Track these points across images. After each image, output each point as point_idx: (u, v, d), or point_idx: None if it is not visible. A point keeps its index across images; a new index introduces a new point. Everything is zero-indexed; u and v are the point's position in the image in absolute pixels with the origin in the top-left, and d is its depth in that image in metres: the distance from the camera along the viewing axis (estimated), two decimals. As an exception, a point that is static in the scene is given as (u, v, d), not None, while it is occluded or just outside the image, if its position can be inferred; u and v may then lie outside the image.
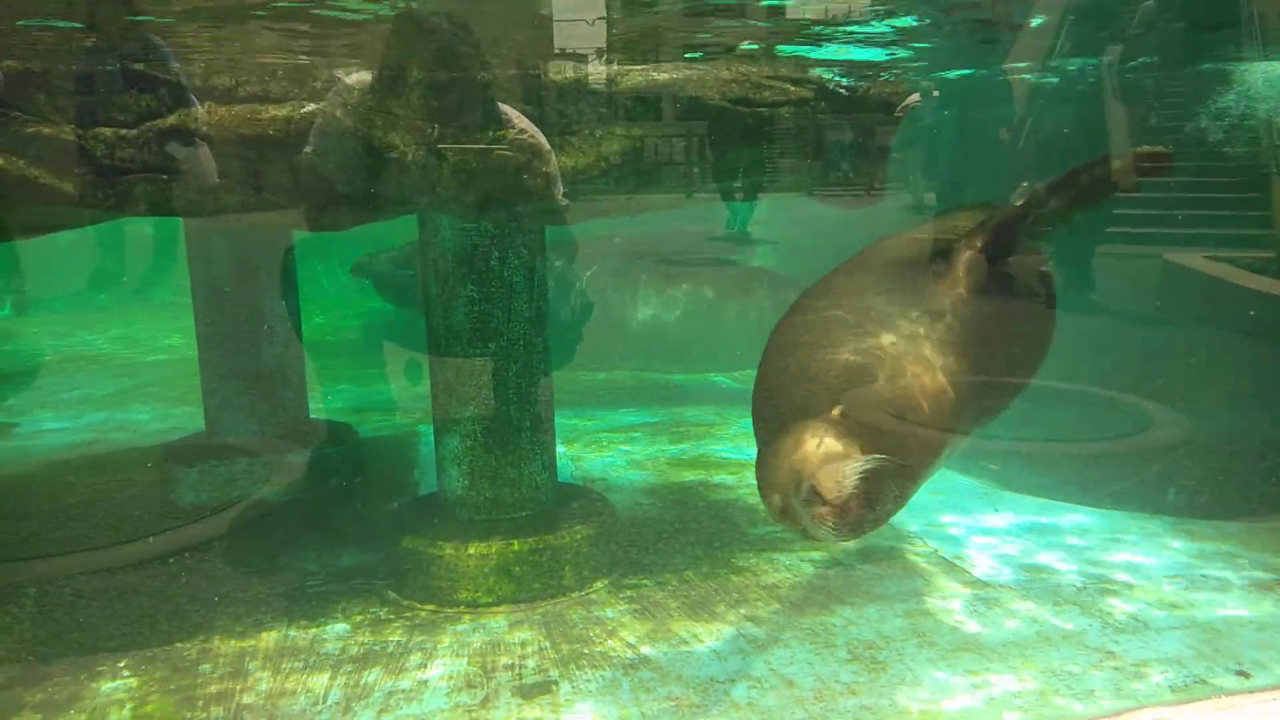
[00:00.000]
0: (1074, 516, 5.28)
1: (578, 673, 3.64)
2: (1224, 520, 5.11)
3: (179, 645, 3.89)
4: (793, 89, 4.02)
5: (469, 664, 3.71)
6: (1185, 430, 5.85)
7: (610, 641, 3.88)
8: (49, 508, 5.04)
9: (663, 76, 3.96)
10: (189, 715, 3.39)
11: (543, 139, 3.89)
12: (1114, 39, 6.78)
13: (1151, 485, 5.48)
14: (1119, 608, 4.11)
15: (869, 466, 2.52)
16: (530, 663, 3.72)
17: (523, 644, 3.87)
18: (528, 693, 3.50)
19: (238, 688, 3.56)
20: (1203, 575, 4.44)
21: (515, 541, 4.27)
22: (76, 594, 4.23)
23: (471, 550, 4.23)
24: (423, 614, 4.17)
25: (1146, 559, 4.66)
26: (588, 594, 4.32)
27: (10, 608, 3.85)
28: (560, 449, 5.28)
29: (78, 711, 3.42)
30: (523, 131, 3.86)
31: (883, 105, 4.20)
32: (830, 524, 2.53)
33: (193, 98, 3.46)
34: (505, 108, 3.85)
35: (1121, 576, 4.46)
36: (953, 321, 3.05)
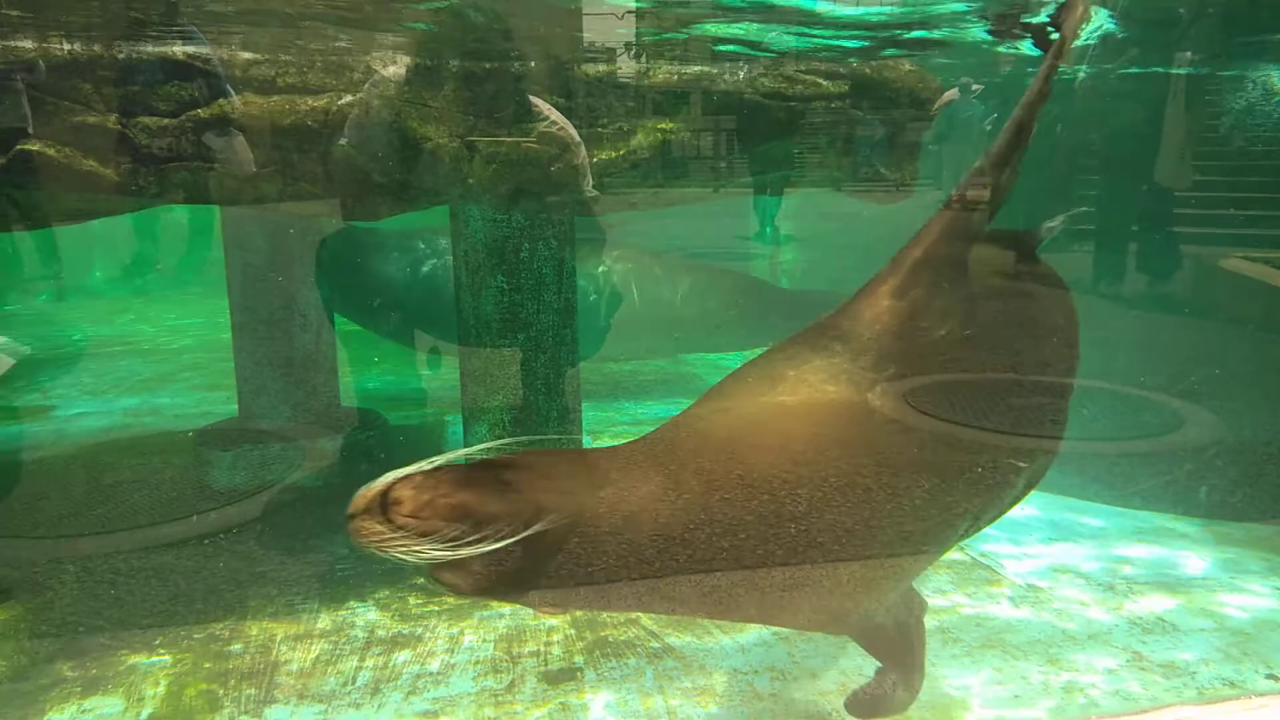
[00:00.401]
0: (1103, 516, 5.24)
1: (602, 660, 3.68)
2: (1255, 523, 5.05)
3: (213, 624, 3.97)
4: (825, 83, 4.02)
5: (495, 649, 3.76)
6: (1218, 431, 5.78)
7: (634, 630, 3.91)
8: (88, 488, 5.15)
9: (694, 70, 3.97)
10: (222, 693, 3.46)
11: (573, 131, 3.93)
12: (1156, 42, 6.71)
13: (1183, 486, 5.43)
14: (1147, 608, 4.08)
15: (404, 473, 1.92)
16: (555, 650, 3.76)
17: (548, 631, 3.92)
18: (553, 679, 3.54)
19: (269, 667, 3.63)
20: (1232, 578, 4.39)
21: (542, 530, 4.31)
22: (115, 571, 4.33)
23: (498, 538, 4.27)
24: (451, 600, 4.22)
25: (1176, 560, 4.62)
26: (612, 583, 4.36)
27: (52, 583, 3.96)
28: (586, 439, 5.32)
29: (115, 686, 3.51)
30: (554, 124, 3.90)
31: (914, 100, 4.19)
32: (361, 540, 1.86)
33: (229, 88, 3.52)
34: (536, 100, 3.89)
35: (1150, 577, 4.42)
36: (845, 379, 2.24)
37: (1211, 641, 3.79)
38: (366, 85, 3.75)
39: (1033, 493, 5.59)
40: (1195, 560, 4.62)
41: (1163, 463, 5.66)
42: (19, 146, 3.10)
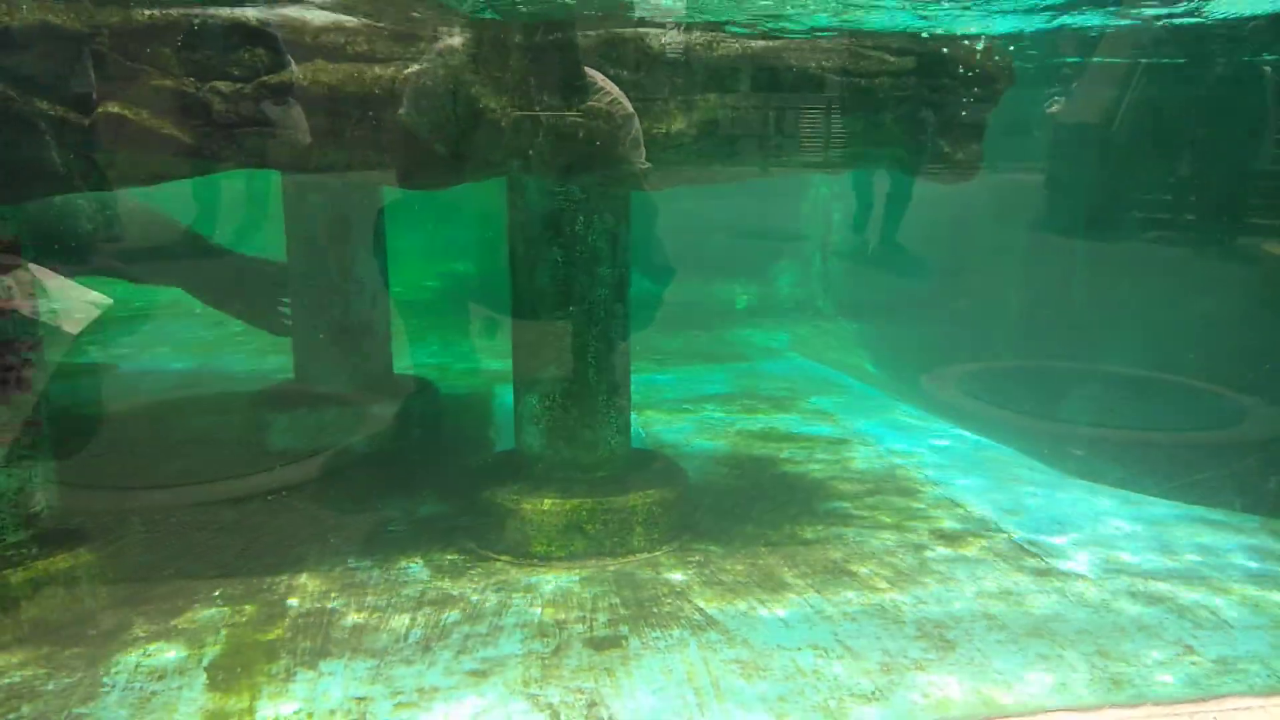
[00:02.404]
0: (1156, 507, 5.16)
1: (647, 630, 3.73)
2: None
3: (270, 579, 4.10)
4: (892, 59, 3.96)
5: (542, 614, 3.84)
6: (1277, 425, 5.65)
7: (678, 603, 3.96)
8: (155, 444, 5.33)
9: (759, 44, 3.94)
10: (279, 645, 3.58)
11: (628, 104, 3.93)
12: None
13: (1240, 480, 5.32)
14: (1199, 603, 4.02)
15: None
16: (601, 617, 3.82)
17: (594, 599, 3.98)
18: (598, 645, 3.61)
19: (324, 622, 3.75)
20: (1290, 576, 4.31)
21: (589, 500, 4.37)
22: (182, 525, 4.49)
23: (547, 506, 4.34)
24: (498, 564, 4.31)
25: (1230, 556, 4.54)
26: (657, 556, 4.41)
27: (122, 534, 4.12)
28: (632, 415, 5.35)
29: (178, 634, 3.65)
30: (609, 96, 3.90)
31: (983, 78, 4.11)
32: None
33: (288, 56, 3.58)
34: (593, 73, 3.89)
35: (1203, 572, 4.35)
36: None
37: (1265, 638, 3.72)
38: (430, 54, 3.78)
39: (1083, 482, 5.53)
40: (1251, 556, 4.53)
41: (1222, 455, 5.56)
42: (101, 109, 3.20)
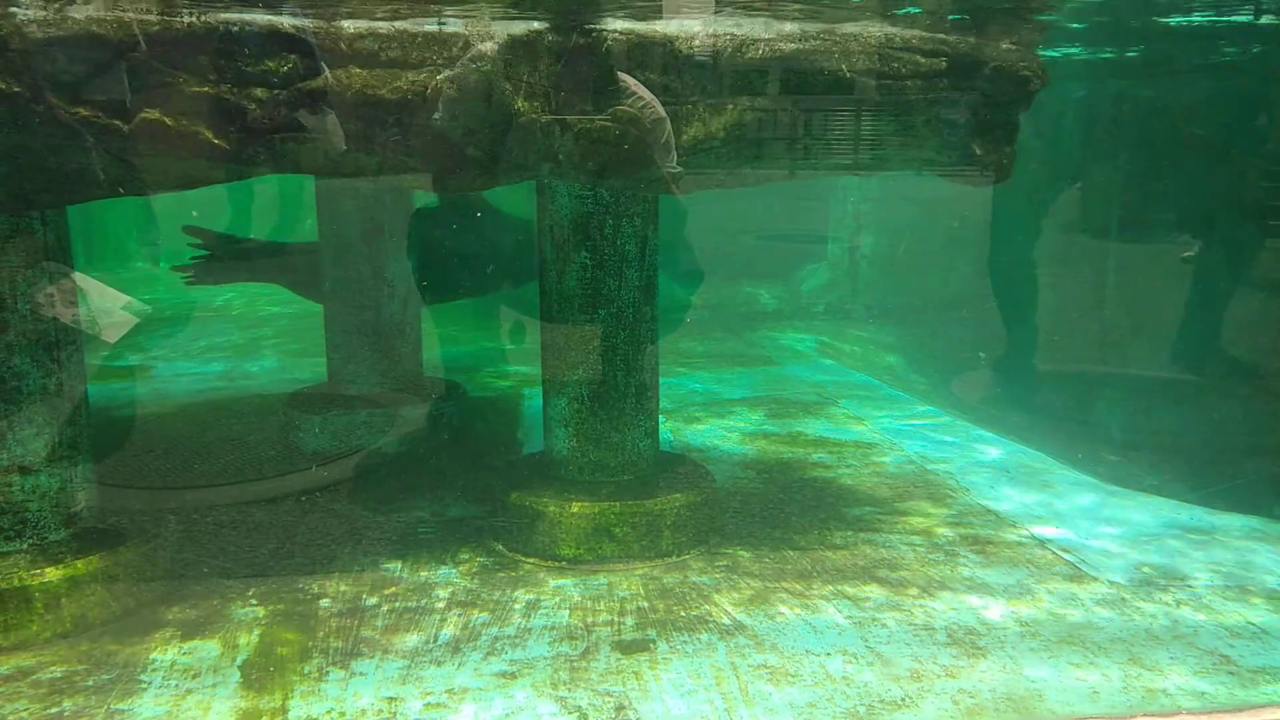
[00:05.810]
0: (1191, 514, 5.07)
1: (675, 634, 3.73)
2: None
3: (302, 579, 4.15)
4: (923, 61, 3.94)
5: (570, 617, 3.85)
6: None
7: (706, 607, 3.95)
8: (190, 445, 5.42)
9: (789, 47, 3.94)
10: (311, 645, 3.62)
11: (660, 108, 3.94)
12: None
13: (1275, 486, 5.22)
14: (1234, 613, 3.95)
15: None
16: (629, 620, 3.83)
17: (622, 602, 3.99)
18: (626, 648, 3.61)
19: (355, 622, 3.79)
20: (1331, 586, 4.22)
21: (617, 503, 4.38)
22: (218, 524, 4.56)
23: (574, 509, 4.36)
24: (526, 566, 4.33)
25: (1267, 565, 4.45)
26: (685, 559, 4.41)
27: (159, 532, 4.19)
28: (660, 417, 5.35)
29: (211, 632, 3.71)
30: (642, 101, 3.91)
31: (1014, 79, 4.07)
32: None
33: (322, 62, 3.62)
34: (625, 77, 3.91)
35: (1239, 581, 4.27)
36: None
37: (1307, 650, 3.65)
38: (462, 59, 3.81)
39: (1116, 488, 5.45)
40: (1291, 566, 4.45)
41: (1256, 462, 5.46)
42: (141, 115, 3.26)
